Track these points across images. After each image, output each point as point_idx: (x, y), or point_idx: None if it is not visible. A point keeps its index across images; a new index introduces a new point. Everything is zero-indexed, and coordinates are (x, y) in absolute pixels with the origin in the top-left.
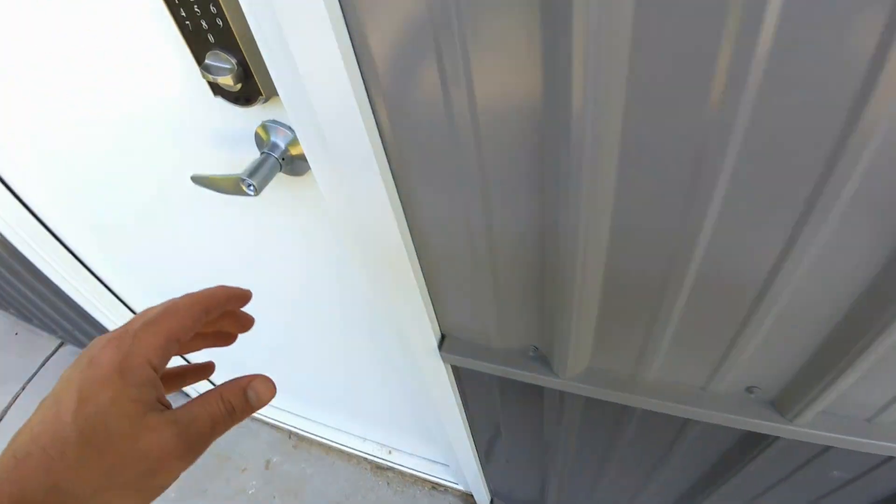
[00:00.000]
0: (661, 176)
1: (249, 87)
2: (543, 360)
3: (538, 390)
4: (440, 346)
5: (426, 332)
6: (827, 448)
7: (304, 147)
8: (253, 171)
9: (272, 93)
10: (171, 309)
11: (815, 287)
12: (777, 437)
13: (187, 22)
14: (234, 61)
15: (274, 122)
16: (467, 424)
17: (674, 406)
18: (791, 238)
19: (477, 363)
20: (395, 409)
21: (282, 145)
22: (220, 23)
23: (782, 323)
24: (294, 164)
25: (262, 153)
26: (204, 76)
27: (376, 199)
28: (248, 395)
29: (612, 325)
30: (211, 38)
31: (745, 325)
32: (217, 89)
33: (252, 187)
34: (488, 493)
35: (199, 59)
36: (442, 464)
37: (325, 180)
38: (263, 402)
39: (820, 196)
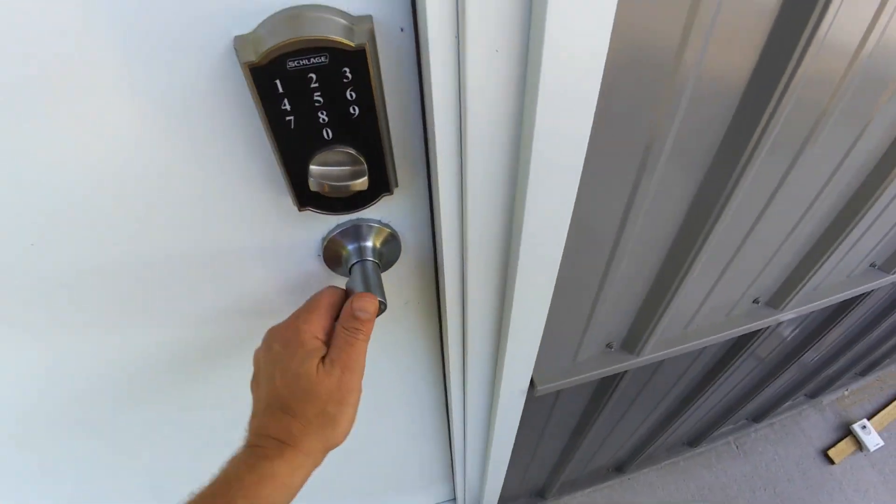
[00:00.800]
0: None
1: (376, 182)
2: (622, 350)
3: (614, 378)
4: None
5: (526, 368)
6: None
7: (445, 224)
8: (370, 285)
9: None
10: (315, 299)
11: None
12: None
13: (290, 117)
14: (362, 157)
15: (366, 221)
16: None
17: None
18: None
19: (565, 382)
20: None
21: (372, 244)
22: (356, 110)
23: (624, 283)
24: (384, 258)
25: (357, 262)
26: (315, 184)
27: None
28: (358, 314)
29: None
30: (329, 133)
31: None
32: (309, 200)
33: (382, 304)
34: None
35: (297, 164)
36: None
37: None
38: (371, 312)
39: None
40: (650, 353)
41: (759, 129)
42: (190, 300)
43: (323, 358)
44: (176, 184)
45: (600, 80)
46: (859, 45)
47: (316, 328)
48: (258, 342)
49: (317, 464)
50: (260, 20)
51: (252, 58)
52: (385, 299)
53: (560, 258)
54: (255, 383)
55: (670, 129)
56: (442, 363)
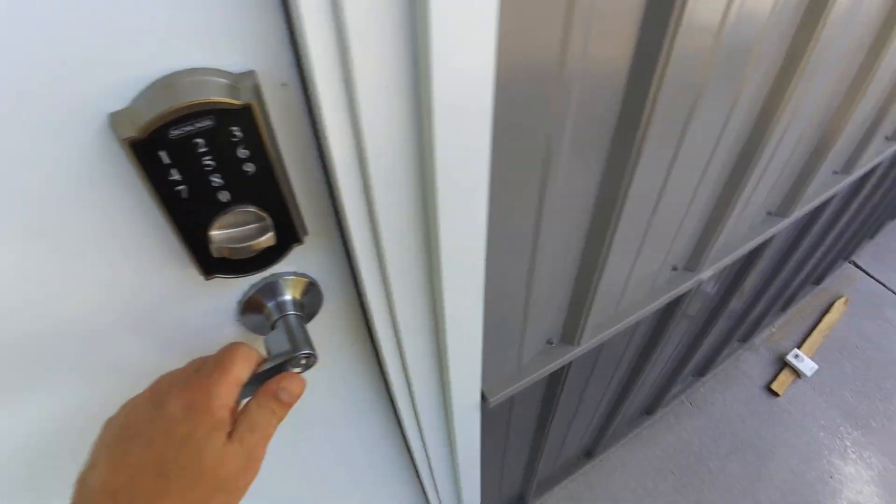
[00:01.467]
0: None
1: (284, 234)
2: (562, 343)
3: (561, 371)
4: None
5: (473, 384)
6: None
7: (363, 263)
8: (296, 340)
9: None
10: (227, 358)
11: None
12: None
13: (181, 187)
14: (265, 212)
15: (281, 275)
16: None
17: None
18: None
19: (515, 388)
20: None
21: (292, 297)
22: (251, 167)
23: (550, 280)
24: (307, 309)
25: (279, 318)
26: (218, 251)
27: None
28: (282, 396)
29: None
30: (226, 196)
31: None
32: (216, 267)
33: (310, 357)
34: None
35: (197, 233)
36: None
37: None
38: (297, 395)
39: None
40: (589, 340)
41: (646, 112)
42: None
43: (230, 433)
44: (72, 277)
45: (492, 97)
46: (721, 21)
47: (227, 395)
48: None
49: None
50: (135, 93)
51: (131, 133)
52: (314, 350)
53: (482, 273)
54: (116, 442)
55: (565, 126)
56: (389, 397)
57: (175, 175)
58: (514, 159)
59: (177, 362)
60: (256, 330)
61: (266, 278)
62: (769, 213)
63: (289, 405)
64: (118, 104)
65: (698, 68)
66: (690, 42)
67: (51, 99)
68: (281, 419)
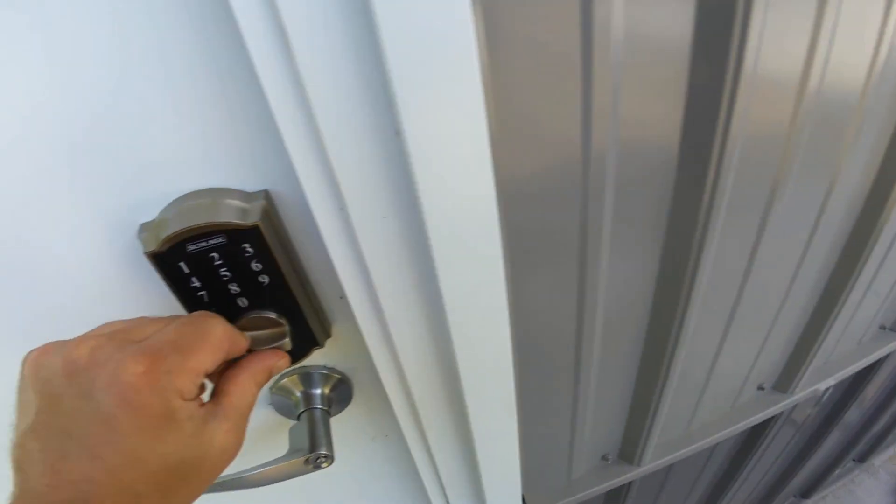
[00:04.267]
0: None
1: (302, 339)
2: (620, 461)
3: (621, 490)
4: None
5: (512, 496)
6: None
7: (383, 372)
8: (315, 438)
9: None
10: (203, 339)
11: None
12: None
13: (202, 292)
14: (283, 319)
15: (312, 367)
16: None
17: None
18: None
19: (565, 503)
20: None
21: (320, 391)
22: (265, 279)
23: (600, 394)
24: (336, 405)
25: (304, 411)
26: None
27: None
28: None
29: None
30: (244, 302)
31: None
32: None
33: (327, 458)
34: None
35: None
36: None
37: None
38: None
39: None
40: (653, 461)
41: (707, 192)
42: None
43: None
44: None
45: (496, 208)
46: (803, 75)
47: (186, 384)
48: None
49: None
50: (161, 207)
51: (153, 247)
52: (332, 452)
53: (511, 382)
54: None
55: (602, 215)
56: (424, 494)
57: (195, 282)
58: (541, 262)
59: None
60: (284, 412)
61: (296, 369)
62: (882, 328)
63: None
64: (147, 216)
65: (774, 140)
66: (758, 105)
67: (91, 209)
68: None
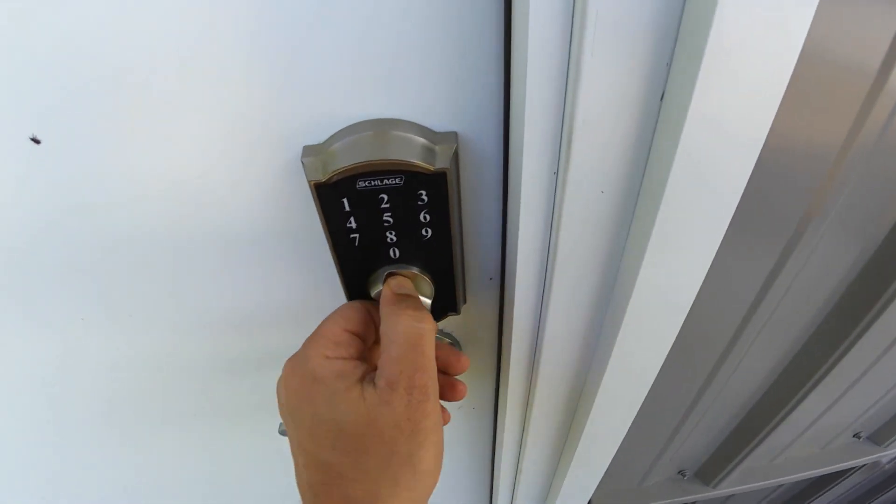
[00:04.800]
0: None
1: (442, 303)
2: (695, 479)
3: None
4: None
5: (584, 494)
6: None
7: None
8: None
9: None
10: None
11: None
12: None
13: (355, 235)
14: (429, 278)
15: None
16: None
17: None
18: None
19: None
20: None
21: None
22: (428, 232)
23: (716, 410)
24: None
25: None
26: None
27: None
28: (399, 292)
29: None
30: (395, 253)
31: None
32: None
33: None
34: None
35: (356, 280)
36: None
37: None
38: (408, 287)
39: None
40: (730, 486)
41: None
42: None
43: (362, 379)
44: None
45: (739, 194)
46: None
47: (337, 346)
48: None
49: None
50: (331, 132)
51: (319, 176)
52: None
53: (649, 385)
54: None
55: (830, 209)
56: (490, 479)
57: (352, 223)
58: (743, 250)
59: None
60: None
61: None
62: None
63: (413, 297)
64: (313, 139)
65: None
66: None
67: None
68: (431, 324)
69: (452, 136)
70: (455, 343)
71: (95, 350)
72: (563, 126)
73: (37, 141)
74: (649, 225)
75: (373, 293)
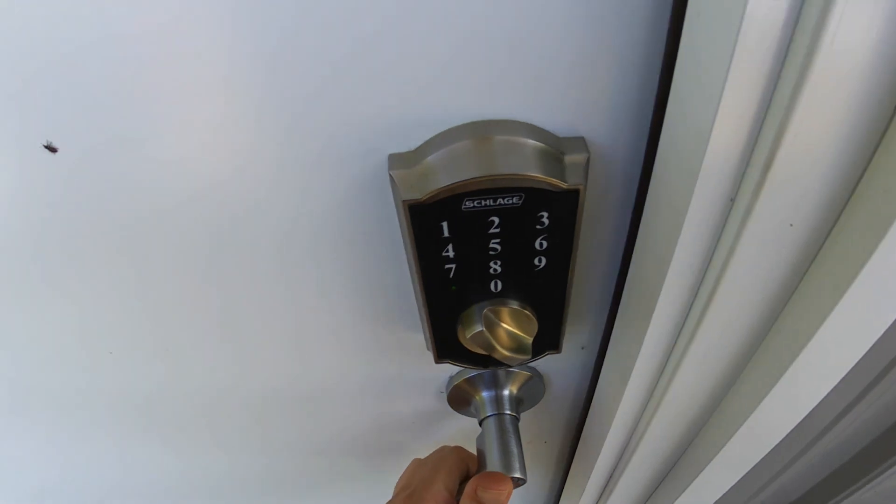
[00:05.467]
0: None
1: (544, 341)
2: None
3: None
4: None
5: None
6: None
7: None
8: (508, 458)
9: None
10: (441, 457)
11: None
12: None
13: (451, 265)
14: (534, 314)
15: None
16: None
17: None
18: None
19: None
20: None
21: (510, 392)
22: (541, 261)
23: None
24: (523, 406)
25: (490, 415)
26: (473, 343)
27: None
28: (482, 497)
29: None
30: (496, 286)
31: None
32: (449, 352)
33: (520, 482)
34: None
35: (447, 317)
36: None
37: None
38: (499, 497)
39: None
40: None
41: None
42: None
43: None
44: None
45: None
46: None
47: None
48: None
49: None
50: (425, 137)
51: (416, 195)
52: (525, 473)
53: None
54: None
55: None
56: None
57: (449, 251)
58: None
59: (377, 422)
60: (460, 410)
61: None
62: None
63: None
64: (400, 146)
65: None
66: None
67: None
68: None
69: (581, 143)
70: (538, 376)
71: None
72: (755, 148)
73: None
74: (852, 264)
75: (462, 336)
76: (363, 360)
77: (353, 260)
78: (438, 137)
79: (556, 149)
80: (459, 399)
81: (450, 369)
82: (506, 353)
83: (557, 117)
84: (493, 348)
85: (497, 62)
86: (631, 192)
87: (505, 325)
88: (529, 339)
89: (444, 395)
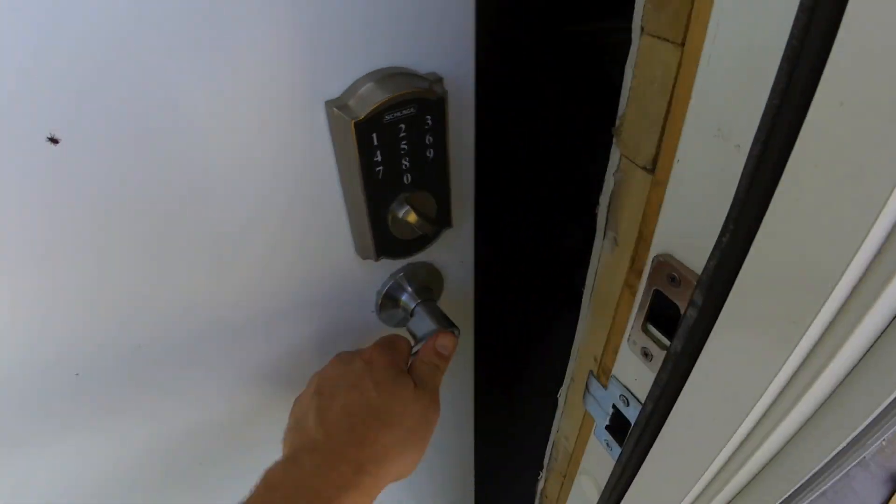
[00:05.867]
0: None
1: (440, 220)
2: None
3: None
4: None
5: None
6: None
7: None
8: (440, 320)
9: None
10: (390, 339)
11: None
12: None
13: (380, 168)
14: (433, 197)
15: (416, 266)
16: None
17: None
18: None
19: None
20: None
21: (425, 285)
22: (431, 153)
23: None
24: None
25: (416, 304)
26: (396, 229)
27: None
28: (441, 350)
29: None
30: (408, 178)
31: None
32: (384, 248)
33: (457, 330)
34: None
35: (380, 212)
36: None
37: None
38: (451, 349)
39: None
40: None
41: None
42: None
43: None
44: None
45: None
46: None
47: (400, 358)
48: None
49: (375, 497)
50: (346, 86)
51: (358, 116)
52: (458, 327)
53: None
54: (318, 395)
55: None
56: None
57: (378, 156)
58: None
59: (321, 347)
60: (390, 323)
61: (403, 268)
62: None
63: (447, 358)
64: (331, 93)
65: None
66: None
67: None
68: (443, 372)
69: (438, 76)
70: (440, 271)
71: None
72: None
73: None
74: None
75: (393, 224)
76: (298, 284)
77: (290, 194)
78: (358, 82)
79: (428, 79)
80: (388, 311)
81: (376, 284)
82: (427, 225)
83: (424, 62)
84: (417, 224)
85: (384, 34)
86: (470, 104)
87: (418, 207)
88: (434, 215)
89: (376, 314)
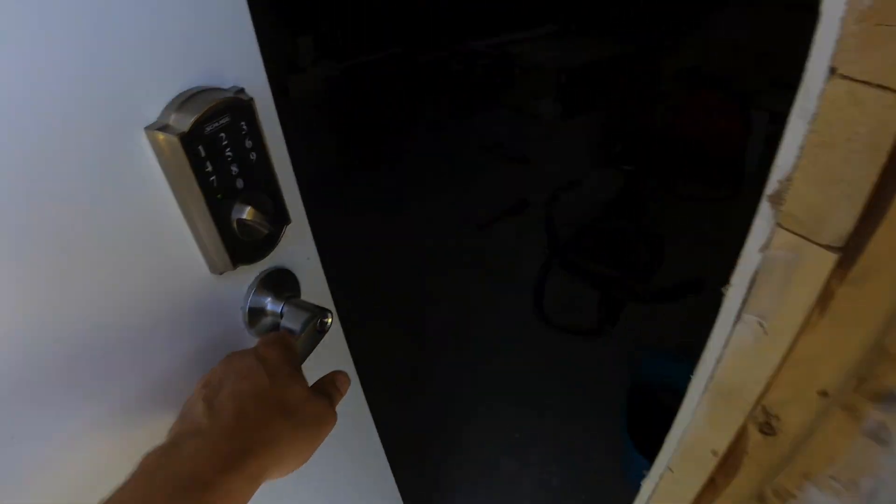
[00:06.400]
0: None
1: (278, 217)
2: None
3: None
4: None
5: None
6: None
7: None
8: (312, 307)
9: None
10: (274, 335)
11: None
12: None
13: (213, 177)
14: (267, 196)
15: (273, 269)
16: None
17: None
18: None
19: None
20: None
21: (284, 288)
22: (254, 156)
23: None
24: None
25: (283, 303)
26: (242, 232)
27: None
28: (340, 388)
29: None
30: (241, 183)
31: None
32: (238, 255)
33: (330, 313)
34: None
35: (223, 220)
36: None
37: None
38: (346, 389)
39: None
40: None
41: None
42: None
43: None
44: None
45: None
46: None
47: (292, 355)
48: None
49: (257, 486)
50: (160, 109)
51: (183, 129)
52: (330, 310)
53: None
54: (211, 387)
55: None
56: None
57: (209, 166)
58: None
59: (195, 366)
60: (260, 331)
61: (261, 275)
62: None
63: (341, 395)
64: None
65: None
66: None
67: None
68: (335, 405)
69: (241, 89)
70: (292, 273)
71: None
72: None
73: None
74: None
75: (240, 230)
76: (165, 319)
77: (129, 231)
78: (170, 105)
79: (231, 90)
80: (259, 322)
81: (238, 301)
82: (269, 224)
83: (224, 79)
84: (261, 225)
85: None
86: (272, 107)
87: (257, 206)
88: (272, 211)
89: (248, 330)
